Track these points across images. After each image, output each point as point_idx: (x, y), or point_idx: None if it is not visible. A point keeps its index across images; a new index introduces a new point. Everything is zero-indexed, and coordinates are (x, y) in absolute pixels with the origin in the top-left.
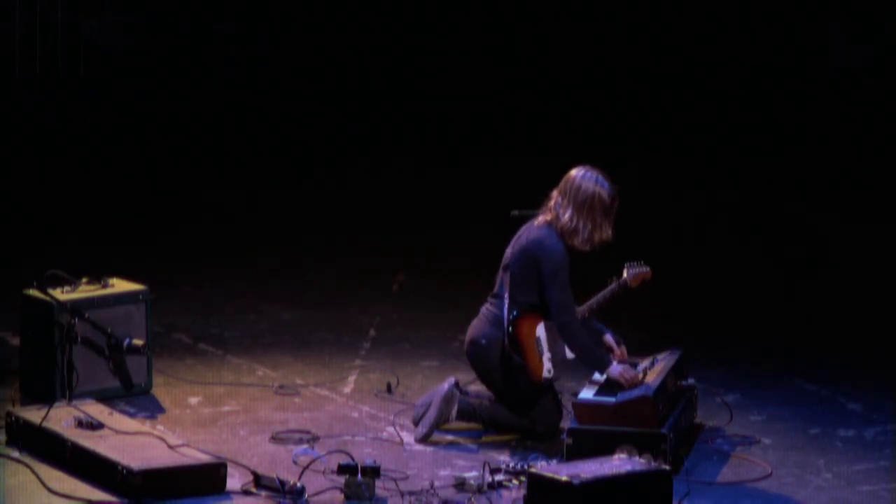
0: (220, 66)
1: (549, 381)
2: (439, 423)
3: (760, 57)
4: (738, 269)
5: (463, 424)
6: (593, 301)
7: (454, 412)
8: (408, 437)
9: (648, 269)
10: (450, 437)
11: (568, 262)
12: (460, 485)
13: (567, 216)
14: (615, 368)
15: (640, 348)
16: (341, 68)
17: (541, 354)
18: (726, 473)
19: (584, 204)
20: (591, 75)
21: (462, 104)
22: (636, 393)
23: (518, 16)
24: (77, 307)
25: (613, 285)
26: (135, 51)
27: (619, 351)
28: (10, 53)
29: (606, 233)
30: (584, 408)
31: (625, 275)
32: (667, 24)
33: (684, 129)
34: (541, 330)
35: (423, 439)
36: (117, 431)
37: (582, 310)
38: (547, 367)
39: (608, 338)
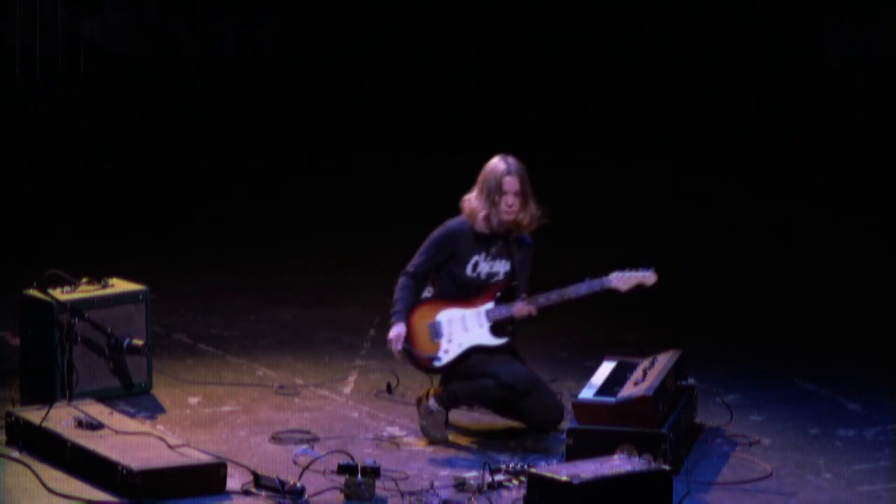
0: (220, 66)
1: (437, 369)
2: (429, 420)
3: (758, 56)
4: (738, 269)
5: (458, 417)
6: (552, 293)
7: (432, 403)
8: (407, 438)
9: (649, 273)
10: (450, 438)
11: (448, 240)
12: (460, 485)
13: (472, 195)
14: (394, 330)
15: (639, 348)
16: (342, 66)
17: (434, 338)
18: (726, 473)
19: (483, 180)
20: (590, 75)
21: (462, 104)
22: (636, 393)
23: (522, 14)
24: (77, 307)
25: (583, 284)
26: (134, 50)
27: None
28: (10, 53)
29: (509, 216)
30: (584, 408)
31: (610, 276)
32: (664, 23)
33: (681, 129)
34: (444, 315)
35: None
36: (117, 431)
37: (539, 298)
38: (443, 349)
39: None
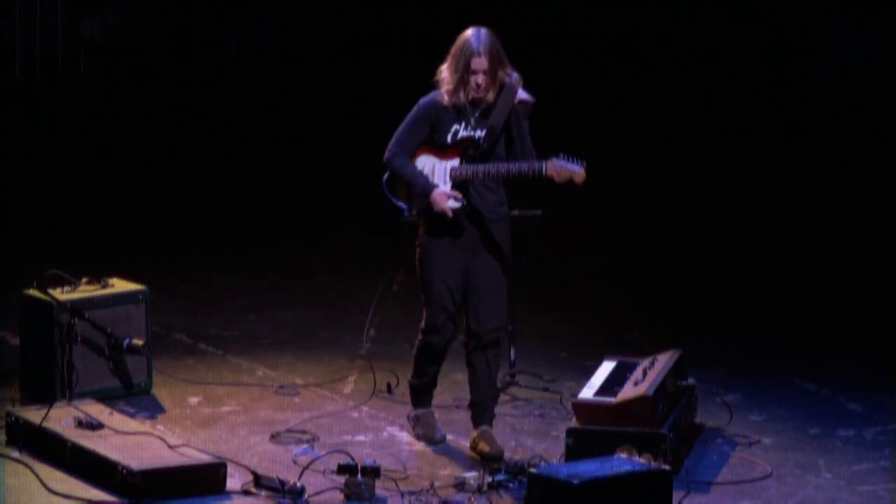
0: (220, 66)
1: (405, 220)
2: (421, 425)
3: (758, 56)
4: (738, 269)
5: (458, 418)
6: (500, 164)
7: (410, 411)
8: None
9: (581, 169)
10: (450, 437)
11: (425, 112)
12: (460, 485)
13: (445, 66)
14: (438, 192)
15: (639, 348)
16: (342, 66)
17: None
18: (726, 473)
19: (454, 55)
20: (590, 75)
21: None
22: (636, 393)
23: (522, 14)
24: (77, 307)
25: (524, 163)
26: (135, 50)
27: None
28: (10, 53)
29: (477, 94)
30: (584, 408)
31: (546, 163)
32: (664, 23)
33: (681, 128)
34: (419, 162)
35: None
36: (117, 431)
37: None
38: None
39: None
